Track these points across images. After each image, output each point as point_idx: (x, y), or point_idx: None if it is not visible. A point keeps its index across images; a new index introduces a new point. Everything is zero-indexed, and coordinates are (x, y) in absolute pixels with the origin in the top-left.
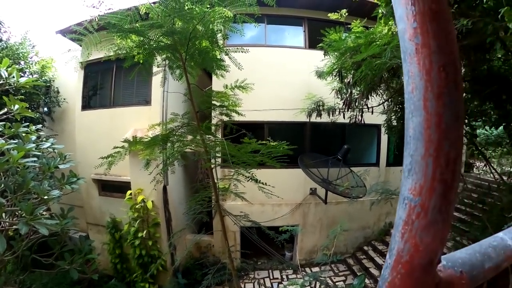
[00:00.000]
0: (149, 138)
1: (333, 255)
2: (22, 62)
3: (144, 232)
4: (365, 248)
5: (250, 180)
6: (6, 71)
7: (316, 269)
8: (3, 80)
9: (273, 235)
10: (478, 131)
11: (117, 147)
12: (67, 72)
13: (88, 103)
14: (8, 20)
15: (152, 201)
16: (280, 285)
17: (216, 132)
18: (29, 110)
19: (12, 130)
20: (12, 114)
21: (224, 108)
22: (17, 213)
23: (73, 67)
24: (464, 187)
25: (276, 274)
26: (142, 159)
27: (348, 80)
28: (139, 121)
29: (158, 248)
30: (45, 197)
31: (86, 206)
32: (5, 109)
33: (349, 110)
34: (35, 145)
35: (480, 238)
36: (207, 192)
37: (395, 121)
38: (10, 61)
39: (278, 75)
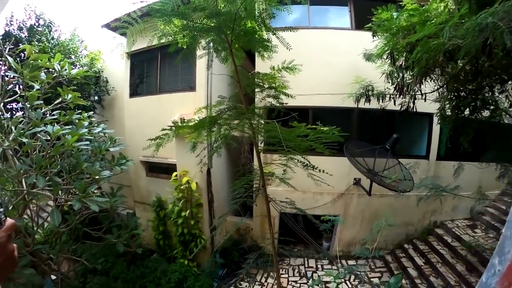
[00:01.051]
0: (197, 121)
1: (374, 250)
2: (72, 57)
3: (187, 212)
4: (406, 246)
5: (302, 166)
6: (59, 64)
7: (352, 262)
8: (57, 73)
9: (318, 223)
10: None
11: (165, 129)
12: (115, 62)
13: (135, 91)
14: (58, 19)
15: (196, 183)
16: (314, 274)
17: (262, 116)
18: (81, 99)
19: (66, 117)
20: (66, 103)
21: (273, 90)
22: (71, 191)
23: (119, 57)
24: None
25: (312, 262)
26: (188, 142)
27: (401, 63)
28: (184, 106)
29: (199, 227)
30: (97, 177)
31: (134, 186)
32: (60, 99)
33: (401, 96)
34: (87, 130)
35: None
36: (251, 176)
37: (449, 110)
38: (62, 56)
39: (323, 58)
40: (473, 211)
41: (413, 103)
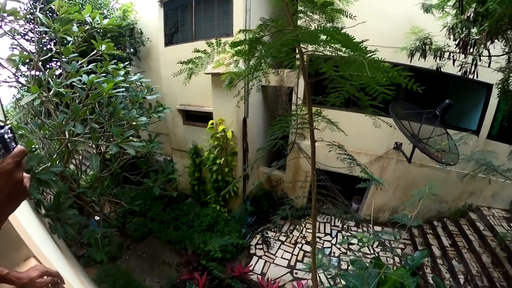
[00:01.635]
0: (236, 40)
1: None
2: (105, 11)
3: (222, 159)
4: (435, 223)
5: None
6: (90, 16)
7: (378, 228)
8: (89, 25)
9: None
10: None
11: (198, 50)
12: (148, 13)
13: (170, 40)
14: None
15: (232, 132)
16: (339, 233)
17: None
18: (116, 49)
19: (102, 68)
20: (101, 54)
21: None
22: (111, 140)
23: (152, 7)
24: None
25: (338, 222)
26: (224, 78)
27: (468, 14)
28: (220, 54)
29: (233, 175)
30: (134, 123)
31: (171, 134)
32: (94, 52)
33: (464, 54)
34: (123, 78)
35: None
36: (287, 119)
37: None
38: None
39: (375, 7)
40: None
41: (475, 66)
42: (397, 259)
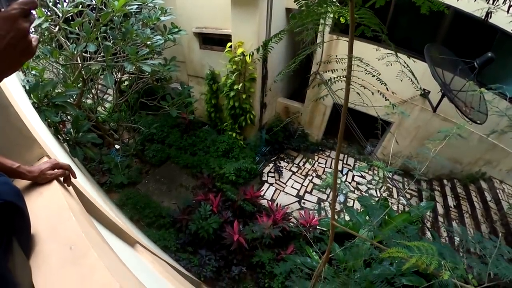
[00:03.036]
0: None
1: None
2: None
3: (240, 85)
4: (445, 181)
5: None
6: None
7: (388, 174)
8: None
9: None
10: None
11: None
12: None
13: None
14: None
15: (251, 55)
16: (349, 172)
17: None
18: None
19: None
20: None
21: None
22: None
23: None
24: None
25: (350, 161)
26: None
27: None
28: None
29: (250, 102)
30: (148, 42)
31: (187, 60)
32: None
33: None
34: None
35: None
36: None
37: None
38: None
39: None
40: None
41: None
42: (401, 207)
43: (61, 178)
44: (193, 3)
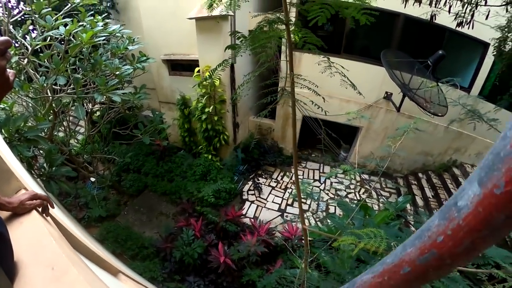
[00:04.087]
0: None
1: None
2: None
3: (211, 108)
4: (420, 175)
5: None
6: None
7: (365, 176)
8: None
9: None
10: None
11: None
12: None
13: None
14: None
15: (219, 79)
16: (327, 180)
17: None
18: None
19: (78, 22)
20: (77, 7)
21: None
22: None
23: None
24: None
25: (327, 169)
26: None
27: None
28: None
29: (222, 123)
30: (117, 72)
31: (157, 87)
32: (69, 5)
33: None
34: (102, 28)
35: None
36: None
37: (510, 43)
38: None
39: None
40: None
41: (471, 16)
42: (382, 206)
43: (40, 209)
44: (160, 31)
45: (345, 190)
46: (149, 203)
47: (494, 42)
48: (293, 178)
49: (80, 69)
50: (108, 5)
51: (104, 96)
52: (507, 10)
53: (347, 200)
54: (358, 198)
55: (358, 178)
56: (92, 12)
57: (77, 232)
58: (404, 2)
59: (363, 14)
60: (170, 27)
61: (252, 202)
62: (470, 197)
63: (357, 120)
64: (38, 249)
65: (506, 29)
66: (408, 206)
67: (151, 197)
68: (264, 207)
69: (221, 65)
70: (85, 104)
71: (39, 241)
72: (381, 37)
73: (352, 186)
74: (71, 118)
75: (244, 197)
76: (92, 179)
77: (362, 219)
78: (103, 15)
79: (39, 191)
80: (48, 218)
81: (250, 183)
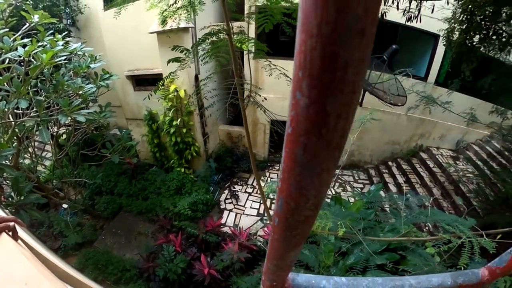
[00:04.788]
0: None
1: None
2: None
3: (179, 120)
4: (390, 163)
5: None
6: None
7: (337, 171)
8: None
9: None
10: None
11: None
12: None
13: (109, 1)
14: None
15: (185, 90)
16: None
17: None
18: (51, 18)
19: (38, 42)
20: (35, 26)
21: None
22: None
23: None
24: None
25: None
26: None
27: None
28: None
29: (192, 135)
30: (80, 92)
31: (123, 104)
32: (27, 25)
33: None
34: (62, 47)
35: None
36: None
37: (457, 33)
38: None
39: None
40: (459, 144)
41: (418, 11)
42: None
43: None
44: (122, 47)
45: None
46: (126, 224)
47: (443, 33)
48: (269, 182)
49: (42, 91)
50: (69, 22)
51: (69, 117)
52: (448, 3)
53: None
54: (334, 192)
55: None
56: (52, 31)
57: (54, 259)
58: None
59: None
60: (132, 43)
61: (231, 210)
62: None
63: None
64: (11, 267)
65: (452, 20)
66: (382, 193)
67: (127, 218)
68: (243, 214)
69: (168, 77)
70: (49, 127)
71: (11, 260)
72: None
73: None
74: (36, 143)
75: (222, 206)
76: (64, 206)
77: (337, 212)
78: (64, 34)
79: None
80: (19, 241)
81: (226, 192)
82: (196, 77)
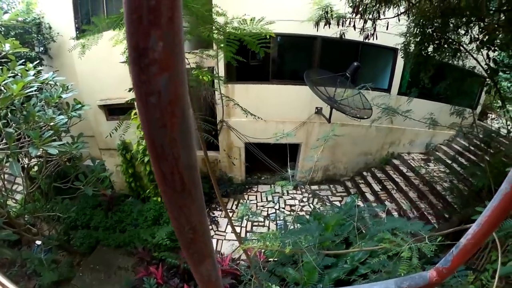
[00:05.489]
0: None
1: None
2: (4, 4)
3: None
4: (364, 173)
5: None
6: None
7: (315, 186)
8: None
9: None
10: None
11: None
12: (56, 4)
13: (83, 31)
14: None
15: None
16: (280, 198)
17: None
18: (23, 47)
19: (9, 71)
20: (6, 55)
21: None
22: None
23: None
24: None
25: (278, 189)
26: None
27: None
28: None
29: None
30: (51, 123)
31: (96, 134)
32: None
33: (360, 18)
34: (34, 77)
35: (479, 185)
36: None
37: (413, 45)
38: None
39: None
40: (428, 146)
41: (374, 29)
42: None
43: None
44: (94, 76)
45: (299, 205)
46: (104, 259)
47: (401, 46)
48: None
49: (12, 122)
50: (41, 50)
51: (40, 150)
52: (399, 20)
53: (303, 213)
54: (313, 208)
55: (309, 190)
56: (23, 60)
57: None
58: (316, 26)
59: (260, 46)
60: (104, 72)
61: (211, 237)
62: None
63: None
64: None
65: (407, 34)
66: (361, 203)
67: (105, 252)
68: (224, 239)
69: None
70: (20, 159)
71: None
72: (306, 59)
73: (305, 199)
74: (6, 176)
75: None
76: (38, 242)
77: (319, 228)
78: (35, 63)
79: None
80: None
81: None
82: None
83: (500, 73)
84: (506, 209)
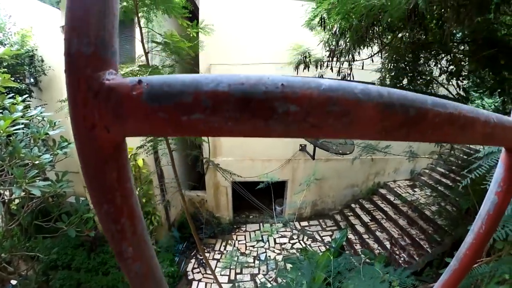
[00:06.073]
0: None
1: (321, 210)
2: (0, 34)
3: (138, 190)
4: (353, 205)
5: None
6: None
7: (304, 223)
8: None
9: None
10: (476, 102)
11: None
12: (49, 38)
13: None
14: None
15: (143, 159)
16: (270, 237)
17: None
18: (13, 81)
19: None
20: None
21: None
22: (15, 183)
23: (54, 32)
24: (452, 153)
25: (267, 227)
26: None
27: (335, 29)
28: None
29: (152, 204)
30: (36, 161)
31: (81, 171)
32: None
33: (337, 62)
34: (22, 113)
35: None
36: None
37: (388, 80)
38: None
39: (262, 26)
40: (413, 173)
41: (350, 69)
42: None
43: None
44: None
45: (289, 242)
46: None
47: (377, 81)
48: (237, 245)
49: None
50: (31, 81)
51: (23, 190)
52: (372, 61)
53: (294, 250)
54: (304, 245)
55: (299, 227)
56: (13, 93)
57: None
58: (296, 70)
59: None
60: None
61: (200, 280)
62: None
63: (280, 174)
64: None
65: (382, 70)
66: (351, 236)
67: None
68: (214, 282)
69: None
70: (1, 193)
71: None
72: None
73: (295, 237)
74: None
75: (190, 277)
76: (13, 282)
77: (310, 268)
78: (24, 96)
79: None
80: None
81: (193, 261)
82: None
83: (472, 92)
84: (454, 286)
